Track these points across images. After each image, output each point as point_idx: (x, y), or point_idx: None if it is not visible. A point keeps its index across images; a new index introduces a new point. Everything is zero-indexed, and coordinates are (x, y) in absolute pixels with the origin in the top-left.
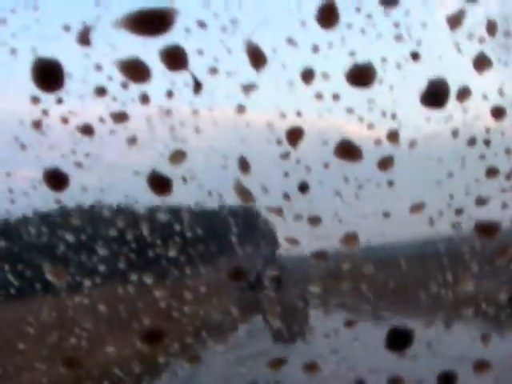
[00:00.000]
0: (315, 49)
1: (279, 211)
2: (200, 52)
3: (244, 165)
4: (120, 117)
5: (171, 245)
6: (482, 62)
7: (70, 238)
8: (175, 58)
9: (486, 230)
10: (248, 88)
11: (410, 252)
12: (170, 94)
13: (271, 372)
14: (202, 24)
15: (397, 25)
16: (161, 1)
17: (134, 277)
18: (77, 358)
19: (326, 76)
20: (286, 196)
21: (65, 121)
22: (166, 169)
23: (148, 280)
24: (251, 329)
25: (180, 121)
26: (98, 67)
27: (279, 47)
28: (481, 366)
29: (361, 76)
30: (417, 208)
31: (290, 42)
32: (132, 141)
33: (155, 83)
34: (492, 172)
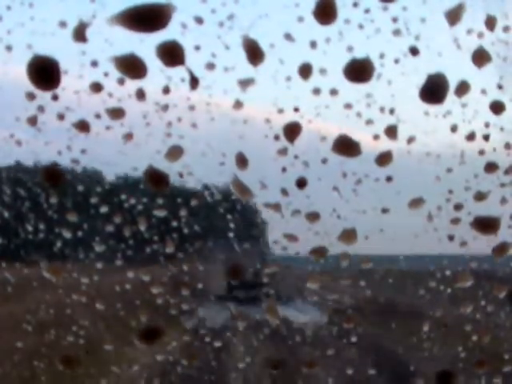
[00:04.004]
0: (313, 44)
1: (277, 207)
2: (197, 47)
3: (242, 160)
4: (116, 113)
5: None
6: (481, 57)
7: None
8: (172, 54)
9: (485, 225)
10: (245, 83)
11: None
12: (166, 90)
13: None
14: (198, 19)
15: (395, 19)
16: None
17: None
18: None
19: (323, 71)
20: (284, 192)
21: (61, 117)
22: (163, 164)
23: None
24: None
25: (177, 117)
26: (94, 63)
27: (277, 42)
28: None
29: (359, 71)
30: (416, 203)
31: (288, 37)
32: (128, 137)
33: (152, 79)
34: (491, 167)
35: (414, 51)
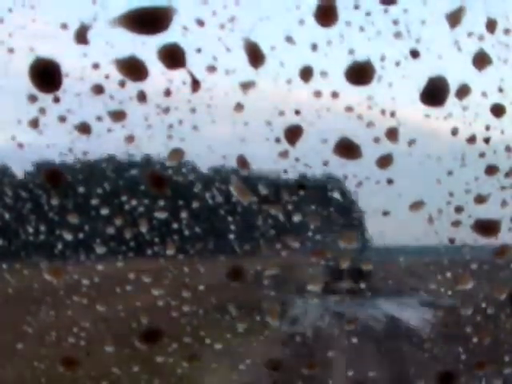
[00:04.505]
0: (314, 46)
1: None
2: (198, 50)
3: (243, 163)
4: (117, 115)
5: None
6: (481, 60)
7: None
8: (173, 57)
9: (486, 228)
10: (246, 86)
11: None
12: (167, 93)
13: None
14: (199, 22)
15: (396, 22)
16: None
17: None
18: None
19: (324, 74)
20: None
21: (62, 119)
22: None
23: None
24: None
25: (178, 119)
26: (96, 66)
27: (278, 45)
28: None
29: (360, 74)
30: (416, 206)
31: (289, 39)
32: (130, 139)
33: (153, 81)
34: (492, 170)
35: (415, 54)
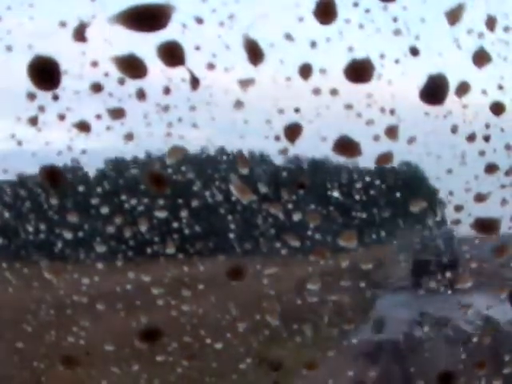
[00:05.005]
0: (313, 44)
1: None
2: (197, 47)
3: (243, 161)
4: (117, 113)
5: None
6: (481, 57)
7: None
8: (172, 54)
9: (486, 226)
10: (246, 83)
11: None
12: (167, 90)
13: None
14: (199, 19)
15: (395, 19)
16: None
17: None
18: None
19: (323, 71)
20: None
21: (61, 117)
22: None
23: None
24: None
25: (177, 117)
26: (95, 63)
27: (277, 42)
28: None
29: (359, 71)
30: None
31: (288, 37)
32: (129, 137)
33: (152, 79)
34: (491, 168)
35: (415, 51)
